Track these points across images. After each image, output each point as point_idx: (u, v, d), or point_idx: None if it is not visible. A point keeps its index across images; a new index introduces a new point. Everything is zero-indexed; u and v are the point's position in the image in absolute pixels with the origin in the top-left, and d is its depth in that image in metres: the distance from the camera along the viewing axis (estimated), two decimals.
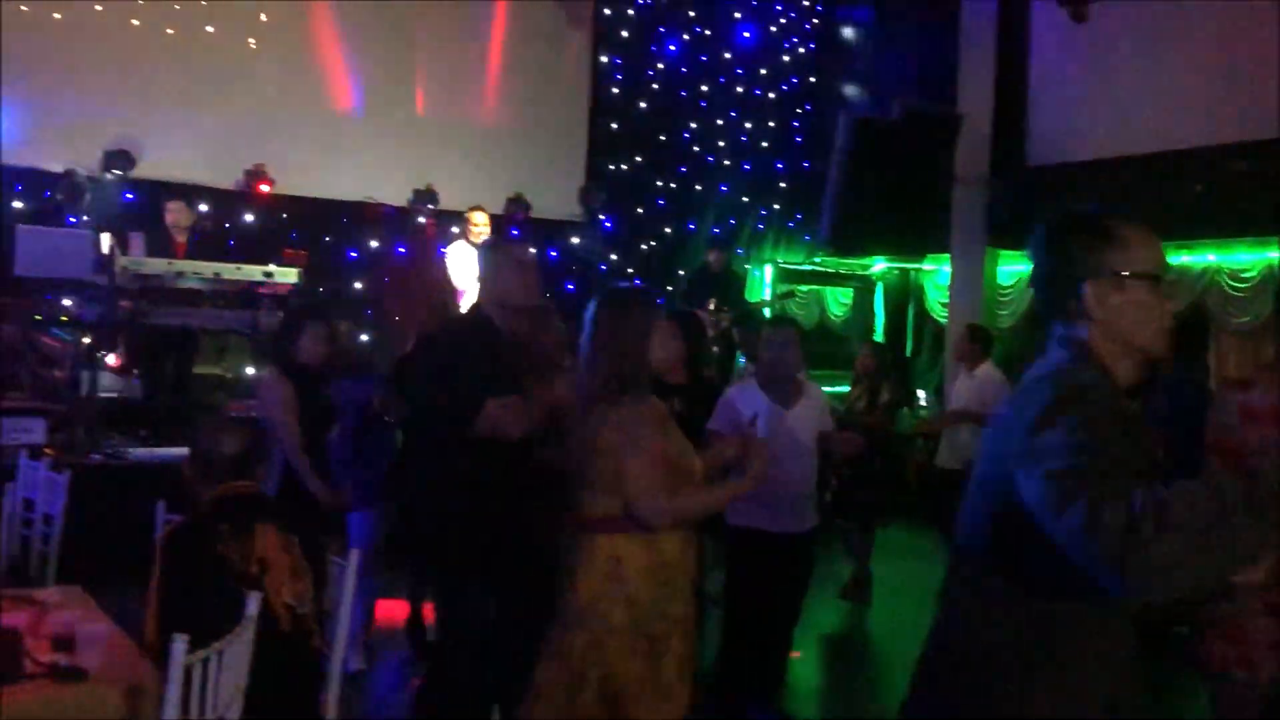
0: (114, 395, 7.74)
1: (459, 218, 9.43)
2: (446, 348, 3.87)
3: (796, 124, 12.27)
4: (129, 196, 9.22)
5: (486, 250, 4.04)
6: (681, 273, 11.40)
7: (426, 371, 4.08)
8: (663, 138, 11.97)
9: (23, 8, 8.80)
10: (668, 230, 11.98)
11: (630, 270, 11.58)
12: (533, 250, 3.86)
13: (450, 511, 3.72)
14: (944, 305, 11.58)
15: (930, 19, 11.24)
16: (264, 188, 9.80)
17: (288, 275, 7.94)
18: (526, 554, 3.60)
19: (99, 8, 9.12)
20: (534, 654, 3.08)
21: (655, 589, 2.97)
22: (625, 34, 11.86)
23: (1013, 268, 11.28)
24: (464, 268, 8.70)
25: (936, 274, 12.08)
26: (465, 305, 8.66)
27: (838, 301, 12.70)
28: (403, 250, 10.47)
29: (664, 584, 2.99)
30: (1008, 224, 10.45)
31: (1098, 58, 9.88)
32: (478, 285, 3.92)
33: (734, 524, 4.56)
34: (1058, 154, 10.22)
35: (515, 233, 11.01)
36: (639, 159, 11.87)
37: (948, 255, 11.16)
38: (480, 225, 8.85)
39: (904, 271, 12.55)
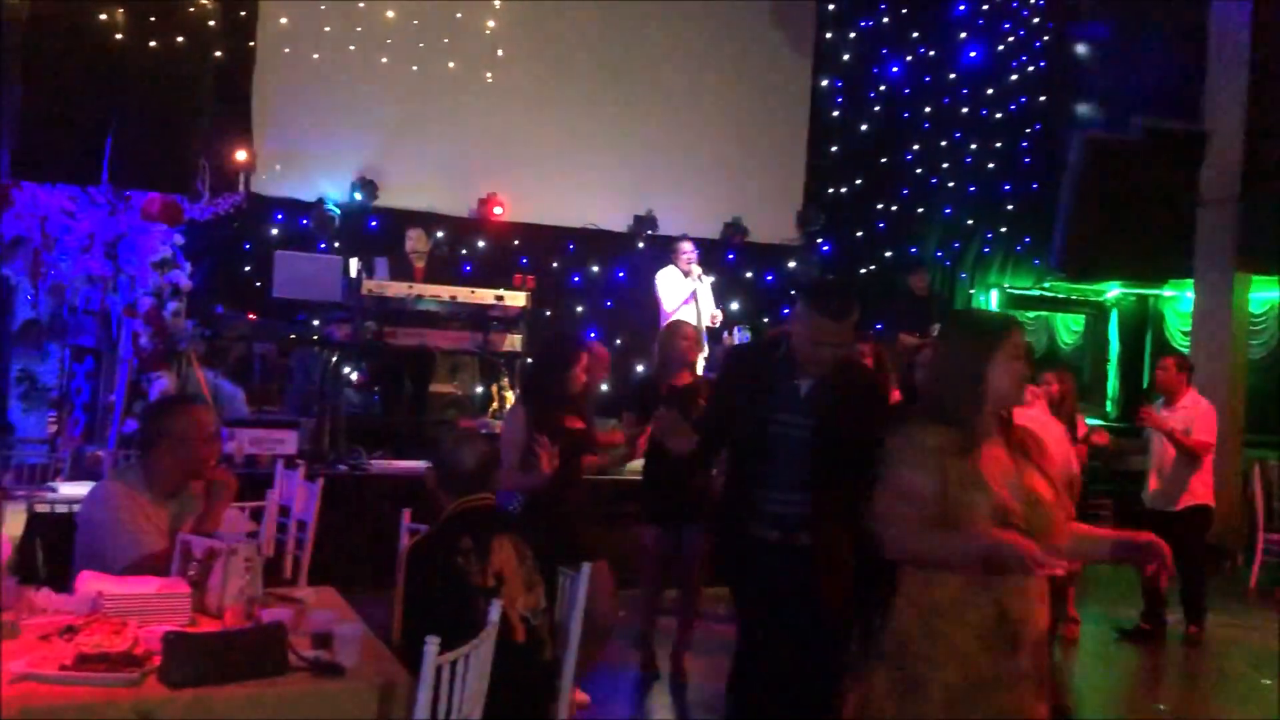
0: (357, 410, 8.21)
1: (678, 243, 9.55)
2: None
3: (1025, 144, 11.83)
4: (373, 224, 9.79)
5: (801, 295, 3.69)
6: (890, 301, 11.17)
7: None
8: (884, 160, 11.80)
9: (285, 50, 9.51)
10: (888, 254, 11.78)
11: None
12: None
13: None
14: (1186, 334, 10.90)
15: (1174, 30, 10.65)
16: (496, 214, 10.22)
17: (517, 299, 8.24)
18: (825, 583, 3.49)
19: (352, 48, 9.74)
20: (829, 689, 3.05)
21: (925, 624, 2.71)
22: (846, 56, 11.78)
23: (1265, 294, 10.52)
24: (672, 293, 8.81)
25: (1178, 300, 11.40)
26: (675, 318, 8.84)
27: (1068, 329, 12.16)
28: (622, 275, 10.70)
29: (941, 618, 2.70)
30: (1260, 247, 9.75)
31: None
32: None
33: None
34: None
35: (731, 257, 11.08)
36: (859, 182, 11.74)
37: (1190, 281, 10.51)
38: (688, 253, 8.93)
39: (1142, 298, 11.91)
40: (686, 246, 9.00)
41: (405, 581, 3.17)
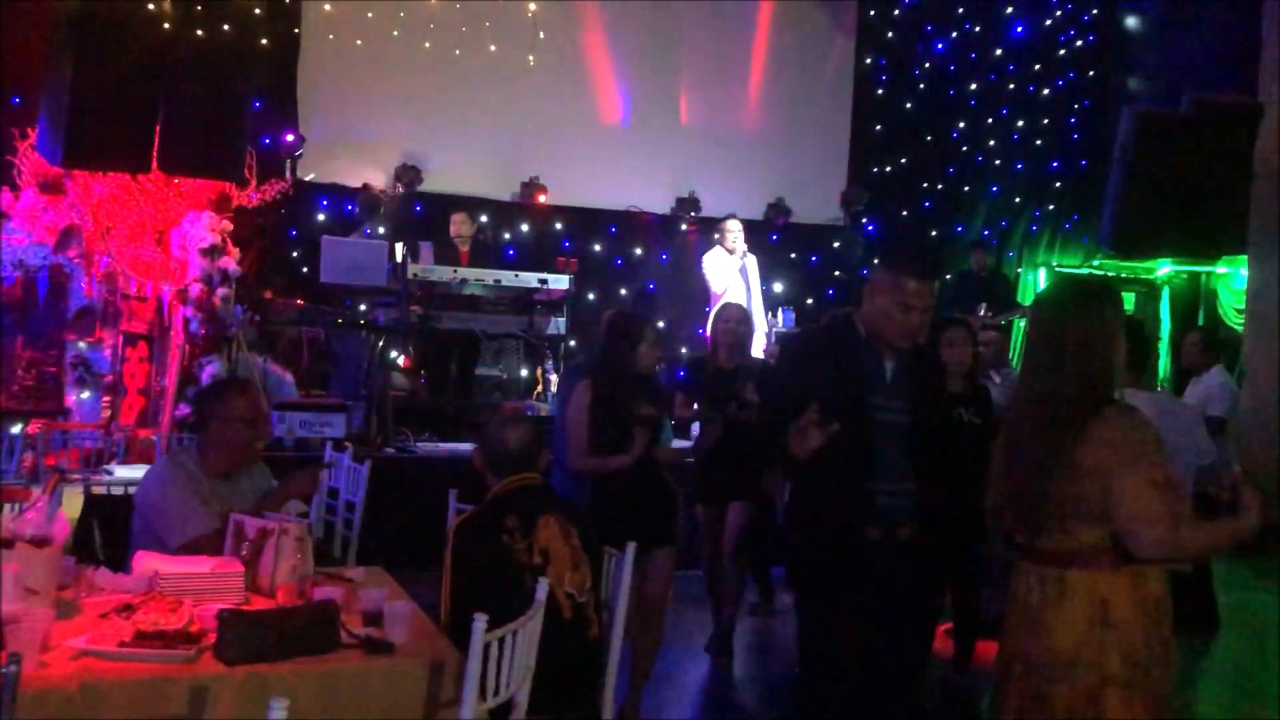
0: (403, 393, 8.28)
1: (720, 224, 9.53)
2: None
3: (1073, 120, 11.68)
4: (417, 209, 9.86)
5: (884, 266, 3.45)
6: (948, 277, 11.08)
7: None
8: (929, 138, 11.69)
9: (329, 37, 9.58)
10: (934, 233, 11.67)
11: None
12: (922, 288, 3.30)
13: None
14: (1240, 311, 10.70)
15: (1225, 3, 10.44)
16: (539, 199, 10.25)
17: (560, 282, 8.26)
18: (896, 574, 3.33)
19: (395, 34, 9.80)
20: (903, 684, 2.96)
21: (1149, 630, 2.58)
22: (890, 34, 11.66)
23: None
24: (720, 274, 8.83)
25: (1232, 278, 11.19)
26: (722, 299, 8.81)
27: None
28: (665, 257, 10.69)
29: (1157, 624, 2.60)
30: None
31: None
32: (862, 291, 3.46)
33: None
34: None
35: (775, 238, 11.03)
36: (904, 160, 11.64)
37: (1244, 257, 10.31)
38: (734, 232, 8.92)
39: (1194, 275, 11.71)
40: (732, 226, 8.99)
41: (452, 560, 3.21)
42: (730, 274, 8.84)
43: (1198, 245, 10.41)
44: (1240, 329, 10.56)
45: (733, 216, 9.30)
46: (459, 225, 8.70)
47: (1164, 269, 11.78)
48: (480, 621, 2.56)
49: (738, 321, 5.60)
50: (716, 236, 9.10)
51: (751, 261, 9.01)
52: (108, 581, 3.15)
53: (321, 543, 5.13)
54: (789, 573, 3.70)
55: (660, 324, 10.03)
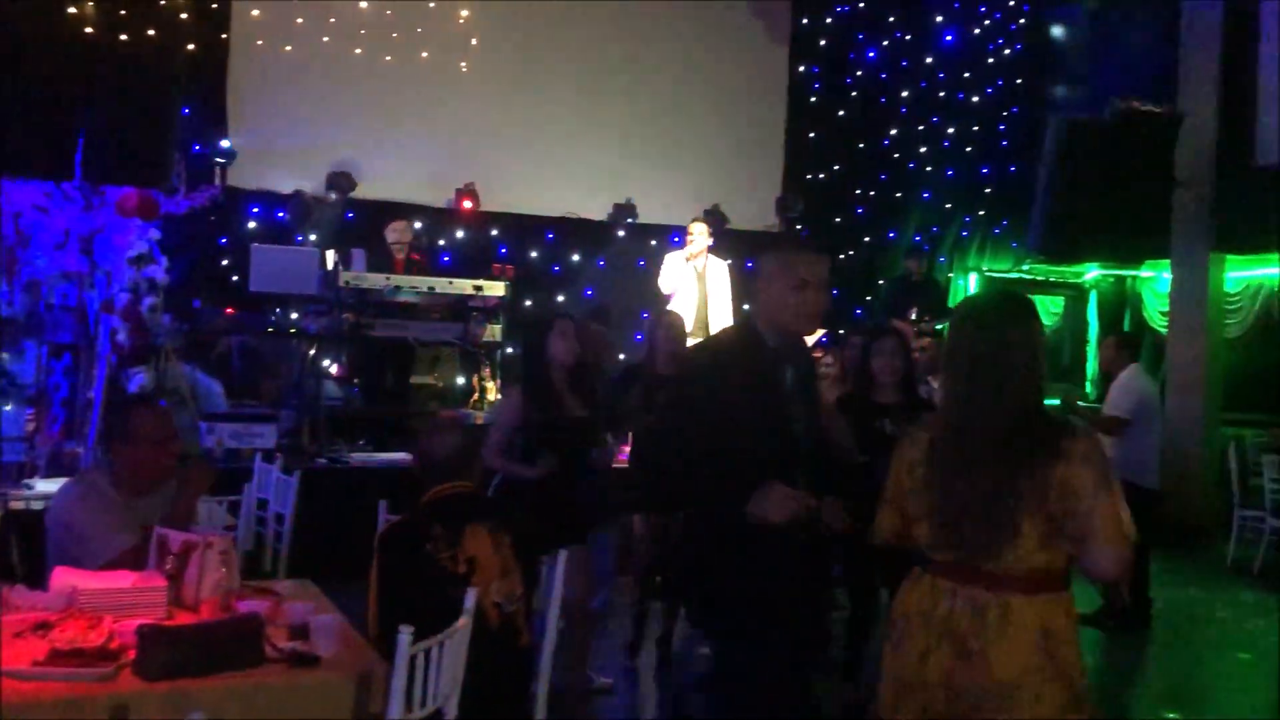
0: (336, 403, 8.20)
1: (657, 230, 9.57)
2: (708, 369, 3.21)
3: (1003, 128, 11.89)
4: (350, 216, 9.77)
5: (771, 251, 3.27)
6: (881, 282, 11.24)
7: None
8: (862, 145, 11.83)
9: (258, 42, 9.47)
10: (867, 239, 11.82)
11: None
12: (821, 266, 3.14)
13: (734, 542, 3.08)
14: (1164, 314, 10.98)
15: (1148, 14, 10.71)
16: (474, 205, 10.20)
17: (496, 289, 8.24)
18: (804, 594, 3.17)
19: (325, 40, 9.71)
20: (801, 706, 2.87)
21: (1078, 649, 2.55)
22: (823, 42, 11.79)
23: (1240, 274, 10.60)
24: (671, 275, 8.84)
25: (1156, 281, 11.48)
26: (674, 306, 8.85)
27: (1047, 311, 12.22)
28: (602, 264, 10.71)
29: (1077, 640, 2.58)
30: (1234, 228, 9.85)
31: None
32: (752, 289, 3.27)
33: None
34: None
35: (711, 245, 11.07)
36: (837, 168, 11.76)
37: (1168, 261, 10.59)
38: (694, 235, 8.89)
39: (1120, 279, 11.99)
40: (693, 229, 8.90)
41: (377, 570, 3.20)
42: (684, 277, 8.84)
43: (1123, 250, 10.69)
44: (1164, 331, 10.82)
45: (698, 220, 9.26)
46: (398, 233, 8.63)
47: (1091, 273, 12.05)
48: (405, 634, 2.56)
49: (669, 329, 5.58)
50: (655, 243, 9.13)
51: (716, 266, 8.99)
52: (24, 599, 3.08)
53: (251, 555, 5.07)
54: (705, 612, 3.24)
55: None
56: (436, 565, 3.17)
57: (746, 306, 8.28)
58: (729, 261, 9.15)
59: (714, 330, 8.69)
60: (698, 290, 8.84)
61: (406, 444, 7.56)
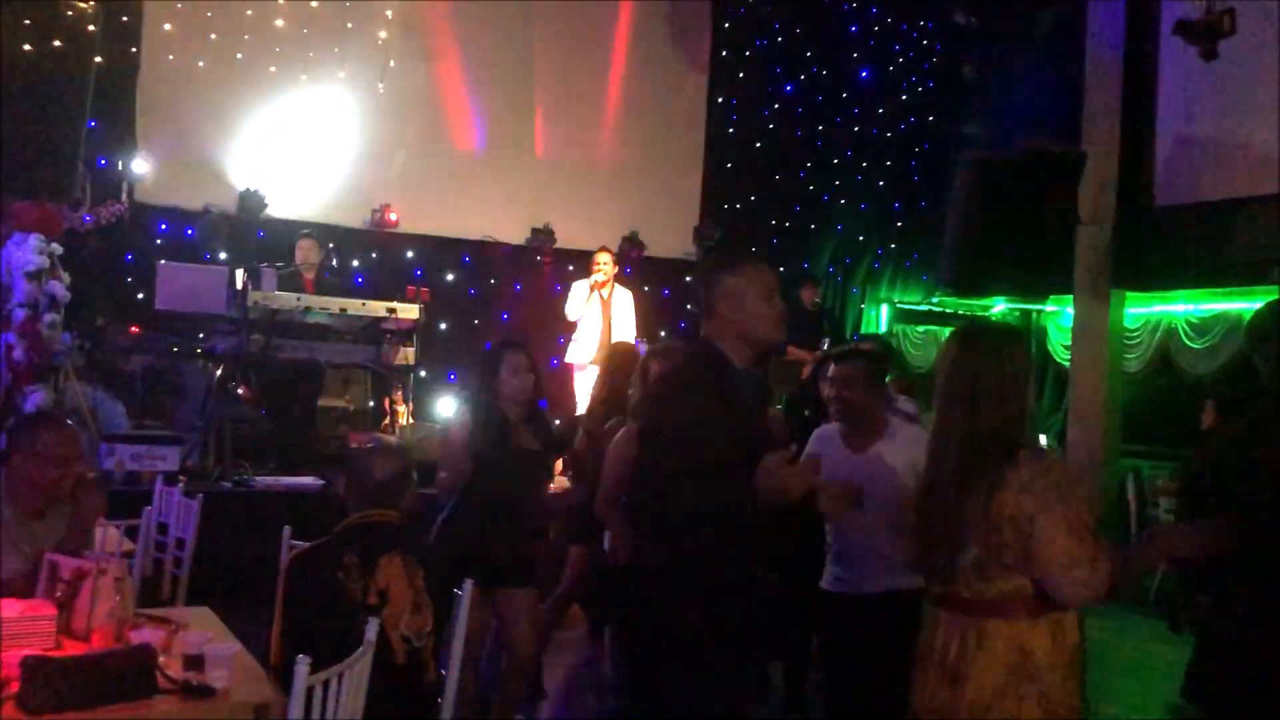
0: (243, 425, 8.03)
1: (576, 256, 9.61)
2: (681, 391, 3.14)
3: (914, 163, 12.17)
4: (261, 234, 9.61)
5: (729, 268, 3.18)
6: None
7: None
8: (778, 177, 12.01)
9: (170, 56, 9.30)
10: (781, 269, 11.95)
11: (698, 310, 11.58)
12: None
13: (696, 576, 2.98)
14: (1067, 348, 11.28)
15: (1054, 55, 11.06)
16: (389, 226, 10.12)
17: (410, 311, 8.15)
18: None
19: (240, 56, 9.57)
20: None
21: (1067, 680, 2.57)
22: (742, 74, 11.96)
23: (1140, 310, 10.95)
24: (576, 303, 9.01)
25: (1060, 316, 11.80)
26: (580, 343, 8.93)
27: None
28: (519, 288, 10.69)
29: (1073, 674, 2.59)
30: (1134, 265, 10.17)
31: (1227, 95, 9.59)
32: (710, 309, 3.14)
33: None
34: (1186, 193, 9.93)
35: (628, 271, 11.15)
36: (754, 198, 11.92)
37: (1070, 297, 10.90)
38: (600, 265, 9.07)
39: (1026, 313, 12.29)
40: (599, 258, 9.13)
41: (283, 596, 3.12)
42: (590, 305, 8.99)
43: (1028, 285, 10.95)
44: (1068, 364, 11.12)
45: (603, 249, 9.41)
46: (306, 251, 8.52)
47: (998, 306, 12.32)
48: (303, 664, 2.51)
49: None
50: (573, 269, 9.20)
51: (622, 295, 9.17)
52: None
53: (149, 582, 4.94)
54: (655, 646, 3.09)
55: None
56: (347, 595, 3.10)
57: (690, 329, 8.32)
58: (631, 292, 9.33)
59: None
60: (602, 318, 9.01)
61: (314, 468, 7.46)
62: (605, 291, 9.07)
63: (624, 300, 9.21)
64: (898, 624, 3.64)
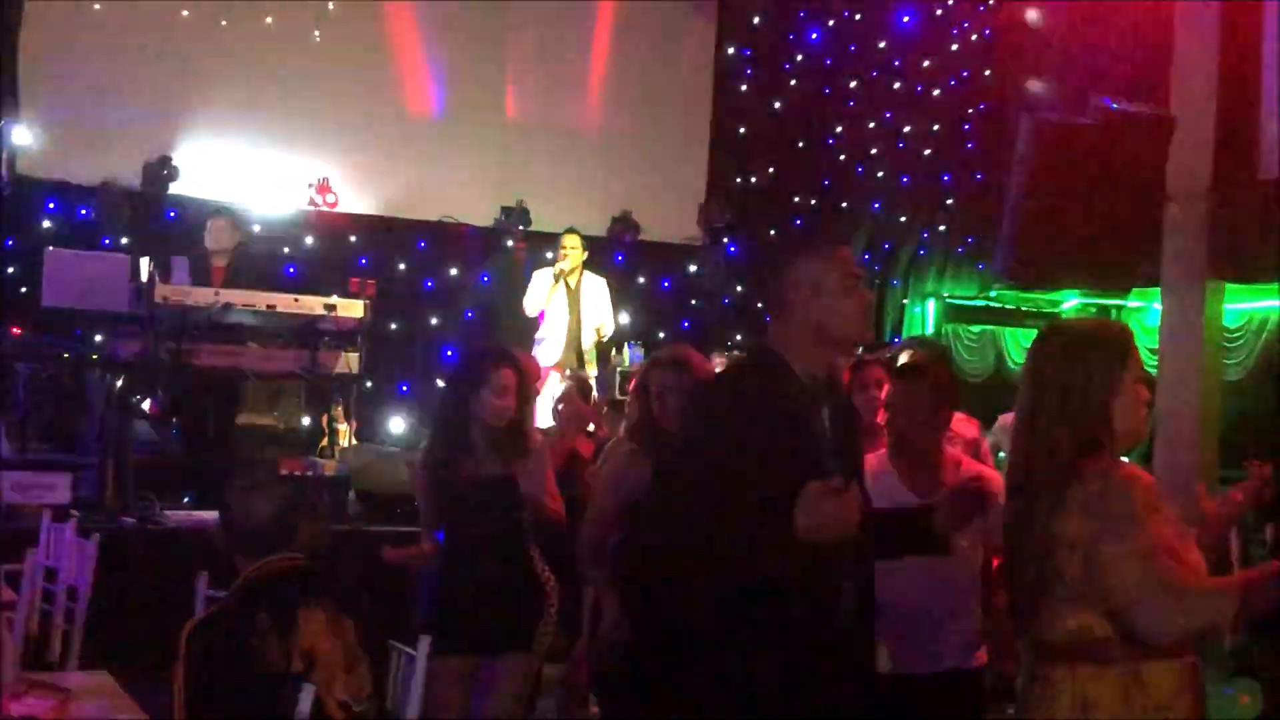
0: (149, 448, 8.02)
1: (555, 239, 9.62)
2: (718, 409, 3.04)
3: (968, 128, 12.15)
4: (171, 215, 9.60)
5: (802, 249, 3.13)
6: None
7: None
8: (802, 144, 12.00)
9: (58, 2, 9.30)
10: None
11: (761, 305, 11.58)
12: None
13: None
14: (1153, 352, 11.29)
15: (1138, 2, 11.09)
16: (327, 205, 10.11)
17: (353, 309, 8.15)
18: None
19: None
20: None
21: None
22: (757, 20, 11.96)
23: (1242, 305, 10.95)
24: (538, 295, 9.12)
25: (1145, 313, 11.81)
26: (547, 343, 8.98)
27: (1019, 346, 12.48)
28: (487, 279, 10.69)
29: None
30: (1234, 250, 10.18)
31: None
32: (779, 302, 3.04)
33: None
34: None
35: (619, 259, 11.15)
36: (772, 170, 11.92)
37: (1158, 290, 10.91)
38: (567, 250, 9.10)
39: (1104, 309, 12.30)
40: (566, 242, 9.22)
41: (185, 672, 3.08)
42: (554, 298, 9.10)
43: (1107, 275, 10.97)
44: (1154, 370, 11.13)
45: (570, 230, 9.47)
46: (218, 235, 8.50)
47: (1070, 302, 12.33)
48: None
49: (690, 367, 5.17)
50: (550, 255, 9.23)
51: (593, 284, 9.21)
52: None
53: (35, 641, 4.93)
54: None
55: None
56: (265, 663, 3.08)
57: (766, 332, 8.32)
58: (604, 279, 9.42)
59: (589, 356, 9.13)
60: (570, 312, 9.11)
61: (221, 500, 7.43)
62: (573, 280, 9.15)
63: (595, 290, 9.30)
64: (954, 710, 3.76)
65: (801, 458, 2.84)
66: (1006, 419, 6.28)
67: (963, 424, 5.66)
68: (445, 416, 4.49)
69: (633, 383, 4.73)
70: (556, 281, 9.11)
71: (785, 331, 3.02)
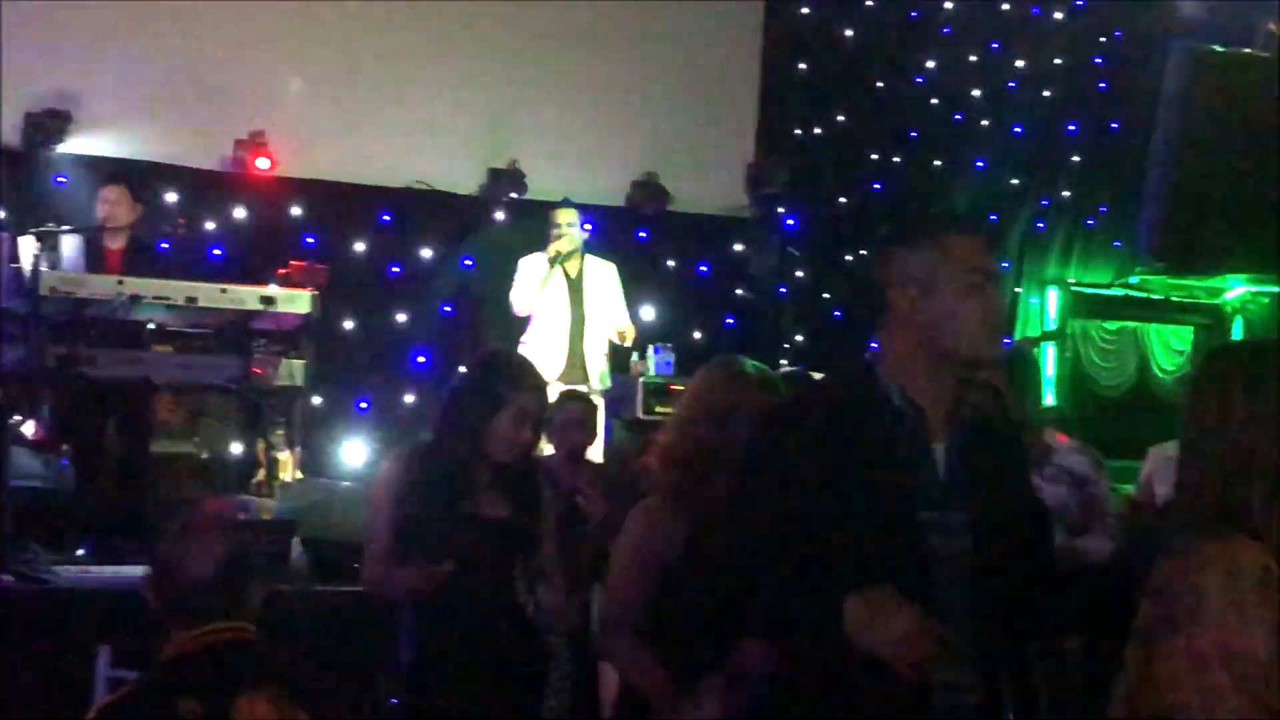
0: (34, 484, 8.00)
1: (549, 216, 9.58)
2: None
3: (1099, 61, 12.12)
4: (61, 180, 9.61)
5: (913, 239, 3.14)
6: None
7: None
8: (880, 84, 12.00)
9: None
10: (885, 230, 11.93)
11: (827, 295, 11.55)
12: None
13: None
14: None
15: None
16: (262, 170, 10.10)
17: (296, 302, 8.11)
18: None
19: None
20: None
21: None
22: None
23: None
24: (528, 290, 9.10)
25: None
26: (539, 349, 8.92)
27: (1168, 348, 12.44)
28: (470, 263, 10.66)
29: None
30: None
31: None
32: (875, 305, 3.14)
33: None
34: None
35: (644, 236, 11.11)
36: (841, 119, 11.92)
37: None
38: (564, 228, 9.08)
39: (1278, 299, 12.25)
40: (562, 217, 9.19)
41: None
42: (551, 290, 9.07)
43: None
44: None
45: (566, 204, 9.47)
46: (112, 204, 8.45)
47: (1235, 290, 12.28)
48: None
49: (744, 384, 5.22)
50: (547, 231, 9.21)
51: (600, 272, 9.26)
52: None
53: None
54: None
55: (462, 370, 10.11)
56: None
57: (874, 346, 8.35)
58: (613, 266, 9.40)
59: (593, 367, 9.11)
60: (570, 308, 9.11)
61: (144, 551, 7.39)
62: (572, 267, 9.12)
63: (603, 279, 9.26)
64: None
65: (878, 515, 2.91)
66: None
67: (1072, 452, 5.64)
68: (446, 450, 4.44)
69: (691, 397, 4.60)
70: (551, 269, 9.03)
71: (887, 345, 3.08)
